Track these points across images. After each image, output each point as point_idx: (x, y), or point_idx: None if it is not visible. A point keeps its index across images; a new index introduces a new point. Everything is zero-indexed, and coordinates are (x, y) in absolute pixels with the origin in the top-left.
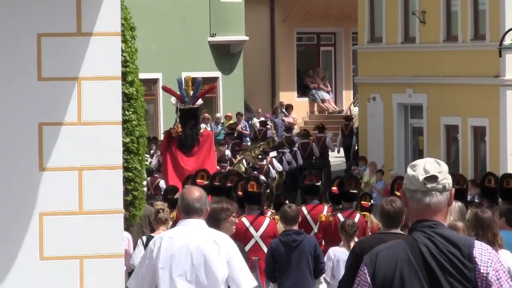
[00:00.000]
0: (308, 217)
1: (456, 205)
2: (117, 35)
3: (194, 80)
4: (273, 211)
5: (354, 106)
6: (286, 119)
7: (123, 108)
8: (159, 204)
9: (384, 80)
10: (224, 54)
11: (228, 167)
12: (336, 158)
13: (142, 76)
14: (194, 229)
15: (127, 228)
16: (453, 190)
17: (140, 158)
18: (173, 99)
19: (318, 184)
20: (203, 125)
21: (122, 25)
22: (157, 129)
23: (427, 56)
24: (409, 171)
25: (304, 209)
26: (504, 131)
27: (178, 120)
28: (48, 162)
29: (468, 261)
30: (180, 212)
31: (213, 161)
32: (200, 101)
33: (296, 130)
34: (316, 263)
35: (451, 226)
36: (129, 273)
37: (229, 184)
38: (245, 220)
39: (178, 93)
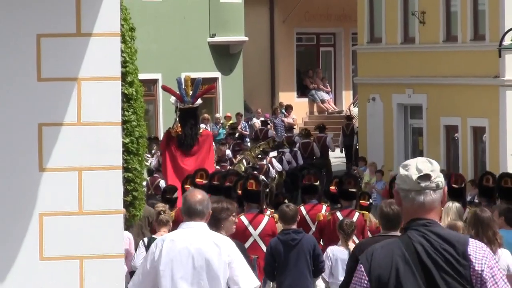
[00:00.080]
0: (307, 217)
1: (454, 206)
2: (117, 36)
3: (193, 80)
4: (272, 210)
5: (354, 107)
6: (285, 119)
7: (122, 109)
8: (160, 206)
9: (384, 81)
10: (224, 55)
11: (228, 167)
12: (337, 158)
13: (142, 76)
14: (196, 232)
15: (127, 228)
16: (446, 188)
17: (140, 158)
18: (173, 99)
19: (317, 183)
20: (202, 125)
21: (122, 25)
22: (156, 129)
23: (426, 56)
24: (402, 171)
25: (302, 208)
26: (504, 131)
27: (177, 119)
28: (48, 162)
29: (463, 259)
30: (182, 214)
31: (212, 161)
32: (199, 101)
33: (295, 130)
34: (316, 262)
35: (451, 225)
36: (130, 273)
37: (228, 184)
38: (244, 219)
39: (178, 92)
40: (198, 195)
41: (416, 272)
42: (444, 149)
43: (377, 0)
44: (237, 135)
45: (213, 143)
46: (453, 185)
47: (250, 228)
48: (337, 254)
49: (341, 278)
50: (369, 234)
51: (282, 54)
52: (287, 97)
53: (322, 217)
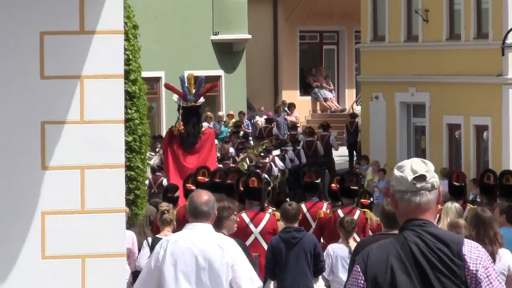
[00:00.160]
0: (308, 214)
1: (453, 206)
2: (120, 33)
3: (196, 78)
4: (274, 208)
5: (357, 105)
6: (288, 117)
7: (125, 107)
8: (164, 205)
9: (387, 79)
10: (227, 53)
11: (231, 165)
12: (341, 156)
13: (145, 74)
14: (200, 233)
15: (129, 227)
16: (441, 188)
17: (143, 157)
18: (175, 97)
19: (318, 181)
20: (205, 124)
21: (125, 23)
22: (159, 127)
23: (430, 54)
24: (397, 172)
25: (303, 206)
26: (506, 129)
27: (180, 118)
28: (51, 161)
29: (458, 259)
30: (187, 215)
31: (214, 159)
32: (202, 99)
33: (299, 128)
34: (316, 262)
35: (453, 223)
36: (133, 272)
37: (230, 181)
38: (245, 216)
39: (181, 91)
40: (204, 196)
41: (411, 272)
42: (446, 148)
43: None
44: (241, 133)
45: (216, 141)
46: (454, 183)
47: (251, 226)
48: (337, 252)
49: (341, 275)
50: (370, 233)
51: (285, 52)
52: (290, 95)
53: (323, 214)
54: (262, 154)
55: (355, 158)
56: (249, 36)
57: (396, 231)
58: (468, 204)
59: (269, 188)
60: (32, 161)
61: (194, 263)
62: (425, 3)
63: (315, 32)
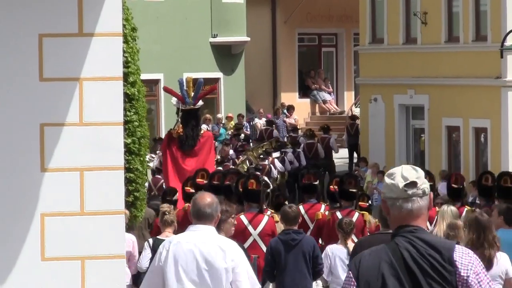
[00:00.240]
0: (306, 216)
1: (449, 209)
2: (119, 36)
3: (195, 81)
4: (272, 210)
5: (356, 107)
6: (287, 120)
7: (124, 109)
8: (165, 206)
9: (386, 81)
10: (226, 55)
11: (231, 167)
12: (341, 159)
13: (144, 76)
14: (203, 235)
15: (128, 230)
16: (432, 194)
17: (142, 159)
18: (174, 100)
19: (316, 183)
20: (204, 126)
21: (124, 25)
22: (158, 130)
23: (428, 57)
24: (387, 180)
25: (301, 208)
26: (505, 132)
27: (179, 120)
28: (50, 163)
29: (449, 265)
30: (191, 217)
31: (212, 161)
32: (201, 102)
33: (299, 131)
34: (315, 264)
35: (452, 225)
36: (134, 275)
37: (228, 183)
38: (243, 218)
39: (179, 93)
40: (208, 198)
41: (402, 278)
42: (445, 150)
43: (379, 1)
44: (242, 136)
45: (216, 143)
46: (453, 185)
47: (250, 228)
48: (336, 253)
49: (341, 276)
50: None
51: (284, 55)
52: (289, 97)
53: (321, 215)
54: (261, 156)
55: (355, 160)
56: (248, 39)
57: None
58: (466, 206)
59: (268, 190)
60: (31, 163)
61: (195, 264)
62: (423, 5)
63: (314, 34)
